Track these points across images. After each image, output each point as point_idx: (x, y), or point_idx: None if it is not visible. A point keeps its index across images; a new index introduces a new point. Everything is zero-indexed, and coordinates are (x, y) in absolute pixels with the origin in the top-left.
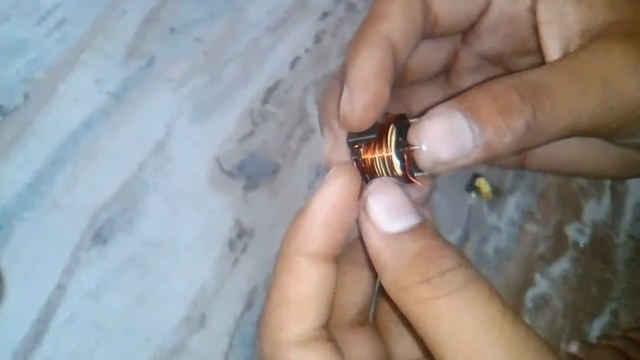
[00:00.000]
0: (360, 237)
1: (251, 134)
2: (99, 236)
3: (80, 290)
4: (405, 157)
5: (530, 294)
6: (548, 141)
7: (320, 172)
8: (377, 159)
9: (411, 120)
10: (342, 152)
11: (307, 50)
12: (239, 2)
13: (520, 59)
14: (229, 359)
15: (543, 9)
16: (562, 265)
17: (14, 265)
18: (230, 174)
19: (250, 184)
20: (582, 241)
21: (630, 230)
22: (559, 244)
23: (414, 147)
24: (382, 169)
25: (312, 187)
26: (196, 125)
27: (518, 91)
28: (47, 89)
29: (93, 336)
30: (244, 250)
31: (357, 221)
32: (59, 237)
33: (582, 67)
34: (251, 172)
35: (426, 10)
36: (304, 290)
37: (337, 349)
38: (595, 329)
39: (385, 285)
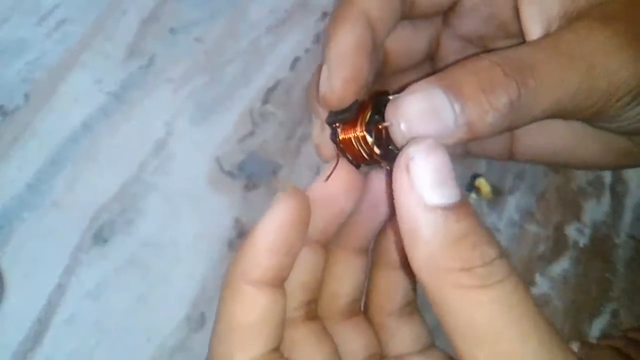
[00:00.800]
0: (350, 225)
1: (251, 134)
2: (99, 236)
3: (80, 290)
4: (383, 134)
5: (531, 294)
6: (531, 121)
7: (320, 172)
8: (352, 138)
9: (391, 97)
10: (328, 136)
11: (307, 50)
12: (239, 2)
13: (503, 41)
14: None
15: None
16: (562, 265)
17: (14, 265)
18: (230, 173)
19: (250, 184)
20: (582, 241)
21: (630, 230)
22: (559, 244)
23: (386, 124)
24: (359, 148)
25: None
26: (196, 125)
27: (502, 67)
28: (47, 89)
29: (93, 336)
30: None
31: (392, 184)
32: (59, 237)
33: (566, 45)
34: (251, 172)
35: None
36: (249, 317)
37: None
38: (595, 329)
39: (417, 261)
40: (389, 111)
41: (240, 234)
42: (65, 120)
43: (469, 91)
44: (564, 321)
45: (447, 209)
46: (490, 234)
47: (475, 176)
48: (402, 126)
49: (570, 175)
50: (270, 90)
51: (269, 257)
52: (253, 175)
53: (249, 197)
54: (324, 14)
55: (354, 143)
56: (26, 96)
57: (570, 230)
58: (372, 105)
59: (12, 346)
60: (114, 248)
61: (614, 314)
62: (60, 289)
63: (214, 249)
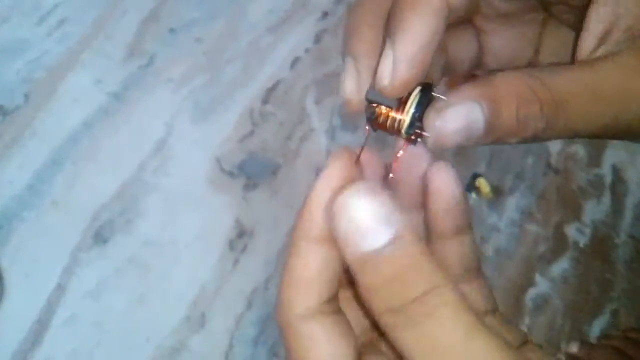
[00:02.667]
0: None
1: (251, 134)
2: (99, 236)
3: (80, 290)
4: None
5: (530, 294)
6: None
7: (320, 172)
8: (389, 119)
9: (434, 95)
10: (362, 94)
11: (307, 50)
12: (239, 2)
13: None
14: (229, 358)
15: None
16: (562, 265)
17: (14, 265)
18: (230, 173)
19: (250, 184)
20: (582, 241)
21: (630, 230)
22: (559, 244)
23: (424, 134)
24: (393, 129)
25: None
26: (196, 125)
27: (540, 100)
28: (47, 89)
29: (93, 336)
30: (244, 250)
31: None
32: (59, 237)
33: (606, 83)
34: (251, 172)
35: None
36: (306, 271)
37: (341, 320)
38: (595, 329)
39: (365, 302)
40: (431, 120)
41: (240, 234)
42: (65, 120)
43: (506, 118)
44: (564, 321)
45: (376, 252)
46: (422, 267)
47: (475, 176)
48: (434, 138)
49: (570, 175)
50: (270, 90)
51: (323, 217)
52: (253, 175)
53: (249, 197)
54: (324, 14)
55: (389, 124)
56: (26, 96)
57: (570, 230)
58: (418, 99)
59: (12, 346)
60: (113, 248)
61: (614, 314)
62: (60, 289)
63: (214, 249)
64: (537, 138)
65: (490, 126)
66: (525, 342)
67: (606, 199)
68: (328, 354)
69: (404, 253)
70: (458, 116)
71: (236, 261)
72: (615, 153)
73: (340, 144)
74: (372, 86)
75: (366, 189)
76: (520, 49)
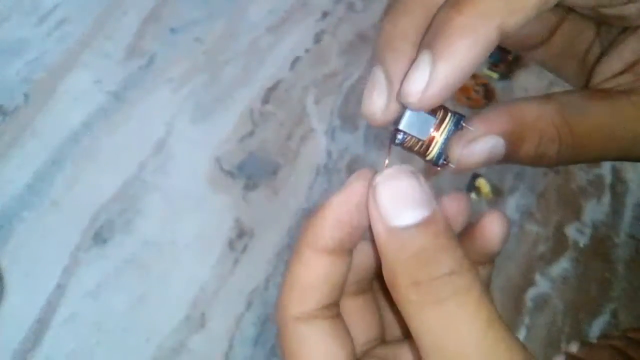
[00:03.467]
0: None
1: (251, 134)
2: (99, 236)
3: (80, 290)
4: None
5: (530, 294)
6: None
7: (320, 172)
8: (419, 144)
9: (464, 125)
10: (393, 112)
11: (307, 50)
12: (239, 2)
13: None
14: (229, 358)
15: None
16: (562, 265)
17: (14, 265)
18: (230, 173)
19: (250, 184)
20: (582, 241)
21: (630, 230)
22: (559, 244)
23: (450, 164)
24: (418, 152)
25: (312, 187)
26: (196, 125)
27: (560, 140)
28: (47, 89)
29: (93, 336)
30: (244, 250)
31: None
32: (59, 237)
33: (623, 122)
34: (251, 172)
35: None
36: (307, 279)
37: (337, 325)
38: (595, 329)
39: (385, 279)
40: (455, 148)
41: (240, 234)
42: (65, 120)
43: (527, 150)
44: (563, 321)
45: (407, 228)
46: (447, 250)
47: (475, 176)
48: (457, 164)
49: (570, 175)
50: (270, 90)
51: (334, 231)
52: (253, 175)
53: (249, 197)
54: (324, 14)
55: (416, 149)
56: (26, 96)
57: (570, 230)
58: (448, 133)
59: (12, 346)
60: (113, 248)
61: (614, 314)
62: (60, 288)
63: (214, 249)
64: (553, 166)
65: (509, 156)
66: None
67: (606, 199)
68: (319, 356)
69: (436, 233)
70: (483, 149)
71: (236, 261)
72: None
73: (340, 144)
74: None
75: (409, 171)
76: (536, 31)
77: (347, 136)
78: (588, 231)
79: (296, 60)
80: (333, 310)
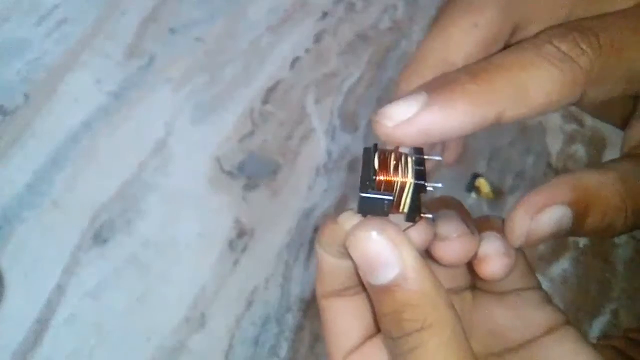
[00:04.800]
0: None
1: (251, 134)
2: (99, 236)
3: (80, 290)
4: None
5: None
6: None
7: (320, 172)
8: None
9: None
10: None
11: (307, 50)
12: (239, 2)
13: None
14: (229, 358)
15: None
16: (562, 265)
17: (14, 265)
18: (230, 173)
19: (250, 184)
20: (582, 241)
21: None
22: (559, 244)
23: (427, 215)
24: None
25: (312, 187)
26: (196, 125)
27: (626, 210)
28: (47, 89)
29: (93, 336)
30: (244, 250)
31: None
32: (59, 237)
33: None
34: (251, 172)
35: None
36: (324, 269)
37: (355, 301)
38: (595, 329)
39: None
40: (521, 219)
41: (240, 234)
42: (65, 120)
43: (592, 221)
44: None
45: (380, 288)
46: (418, 307)
47: (475, 176)
48: (524, 236)
49: None
50: (270, 90)
51: (336, 248)
52: (253, 175)
53: (249, 197)
54: (324, 14)
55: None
56: (26, 96)
57: None
58: (411, 196)
59: (12, 346)
60: (113, 248)
61: (614, 314)
62: (60, 289)
63: (214, 249)
64: (613, 236)
65: (575, 228)
66: (564, 323)
67: None
68: (335, 325)
69: (406, 291)
70: (550, 220)
71: (236, 261)
72: (615, 153)
73: (340, 143)
74: (367, 184)
75: (375, 225)
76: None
77: (347, 136)
78: None
79: (296, 60)
80: (352, 290)
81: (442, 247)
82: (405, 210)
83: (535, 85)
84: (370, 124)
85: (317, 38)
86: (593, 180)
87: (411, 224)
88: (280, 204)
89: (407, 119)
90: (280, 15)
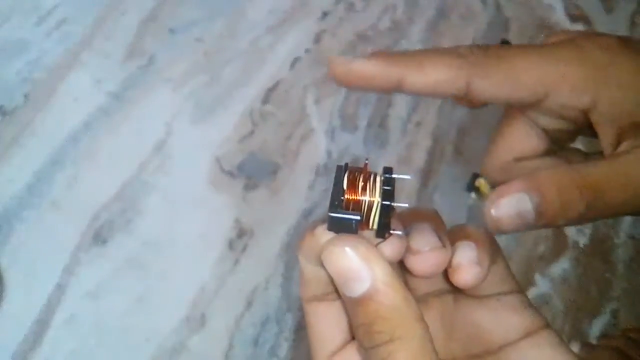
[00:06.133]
0: None
1: (251, 134)
2: (99, 236)
3: (80, 290)
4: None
5: (530, 294)
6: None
7: (320, 172)
8: (366, 205)
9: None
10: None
11: (307, 50)
12: (239, 2)
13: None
14: (229, 358)
15: (596, 116)
16: (562, 265)
17: (14, 265)
18: (230, 174)
19: (250, 184)
20: (582, 241)
21: (630, 230)
22: (559, 244)
23: (396, 232)
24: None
25: (312, 187)
26: (196, 125)
27: (580, 189)
28: (47, 89)
29: (93, 336)
30: (244, 250)
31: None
32: (59, 237)
33: (634, 172)
34: (251, 172)
35: (464, 88)
36: (305, 274)
37: (337, 306)
38: (595, 329)
39: None
40: (487, 208)
41: (240, 234)
42: (65, 120)
43: (551, 204)
44: (564, 321)
45: (353, 300)
46: (386, 320)
47: (475, 176)
48: (492, 225)
49: None
50: (270, 90)
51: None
52: (253, 175)
53: (249, 197)
54: (324, 14)
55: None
56: (26, 96)
57: (570, 230)
58: (379, 214)
59: (12, 346)
60: (113, 248)
61: (614, 314)
62: (60, 289)
63: (214, 249)
64: (583, 219)
65: (539, 212)
66: (543, 327)
67: None
68: (316, 329)
69: (375, 303)
70: (510, 206)
71: (236, 261)
72: None
73: (340, 143)
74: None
75: (347, 242)
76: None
77: (347, 136)
78: (588, 231)
79: (296, 60)
80: (332, 295)
81: (414, 261)
82: (375, 227)
83: (431, 65)
84: (370, 124)
85: (317, 38)
86: (545, 171)
87: (381, 239)
88: (280, 204)
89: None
90: (280, 16)
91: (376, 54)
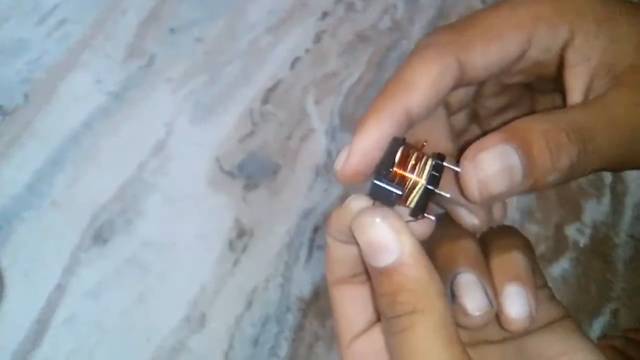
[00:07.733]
0: None
1: (251, 134)
2: (99, 236)
3: (80, 290)
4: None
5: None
6: (583, 175)
7: (320, 172)
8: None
9: (446, 164)
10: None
11: (307, 50)
12: (239, 2)
13: (540, 83)
14: (229, 358)
15: (572, 53)
16: (562, 265)
17: (14, 265)
18: (230, 174)
19: (250, 184)
20: (582, 241)
21: (630, 230)
22: (559, 244)
23: (429, 217)
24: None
25: (312, 187)
26: (196, 125)
27: (566, 132)
28: (47, 89)
29: (93, 336)
30: (244, 250)
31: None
32: (59, 237)
33: (616, 112)
34: (251, 172)
35: (460, 71)
36: (332, 256)
37: (361, 289)
38: (595, 329)
39: None
40: (466, 166)
41: (240, 234)
42: (65, 120)
43: (538, 152)
44: None
45: (379, 270)
46: (411, 291)
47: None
48: (477, 184)
49: None
50: (270, 90)
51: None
52: (253, 175)
53: (249, 197)
54: (324, 14)
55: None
56: (26, 96)
57: (570, 230)
58: (422, 191)
59: (12, 346)
60: (113, 248)
61: (614, 314)
62: (60, 288)
63: (214, 249)
64: (574, 172)
65: (528, 166)
66: (563, 317)
67: (606, 199)
68: (341, 311)
69: (401, 275)
70: (494, 159)
71: (236, 261)
72: None
73: (340, 144)
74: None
75: (379, 213)
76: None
77: (347, 136)
78: (588, 231)
79: (296, 60)
80: (359, 278)
81: (465, 321)
82: (412, 206)
83: (423, 73)
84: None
85: (317, 38)
86: (524, 119)
87: (413, 219)
88: (280, 204)
89: (345, 164)
90: (280, 16)
91: (363, 124)
